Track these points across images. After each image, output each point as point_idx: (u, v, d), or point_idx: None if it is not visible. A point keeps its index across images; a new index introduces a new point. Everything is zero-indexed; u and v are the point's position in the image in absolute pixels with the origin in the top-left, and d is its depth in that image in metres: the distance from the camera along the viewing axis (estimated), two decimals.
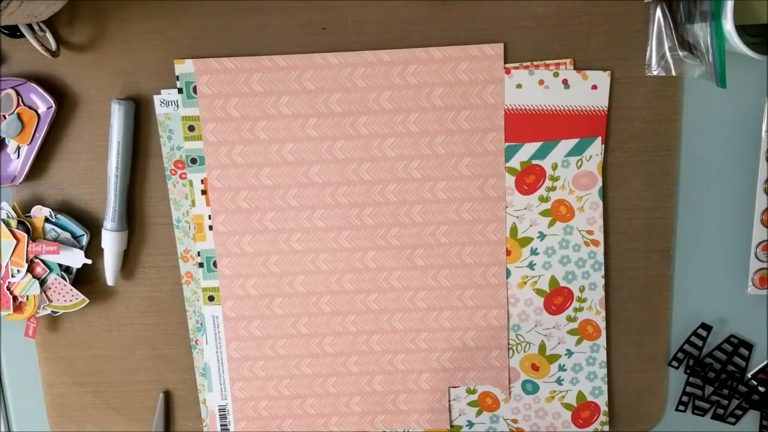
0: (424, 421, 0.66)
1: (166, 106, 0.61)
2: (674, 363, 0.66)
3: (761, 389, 0.66)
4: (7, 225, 0.61)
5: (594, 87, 0.60)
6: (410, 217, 0.62)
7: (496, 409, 0.66)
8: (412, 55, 0.60)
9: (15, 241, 0.61)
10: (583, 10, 0.59)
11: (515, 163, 0.62)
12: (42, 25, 0.58)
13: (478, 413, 0.66)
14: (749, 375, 0.66)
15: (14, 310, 0.62)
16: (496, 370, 0.65)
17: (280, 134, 0.61)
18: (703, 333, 0.65)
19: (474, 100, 0.60)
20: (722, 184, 0.63)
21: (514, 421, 0.67)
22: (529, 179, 0.62)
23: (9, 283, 0.62)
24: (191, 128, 0.61)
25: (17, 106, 0.60)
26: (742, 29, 0.55)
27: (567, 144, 0.61)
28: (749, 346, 0.66)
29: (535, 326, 0.65)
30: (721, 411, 0.67)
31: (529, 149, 0.62)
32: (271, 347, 0.65)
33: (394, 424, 0.66)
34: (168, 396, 0.67)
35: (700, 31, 0.55)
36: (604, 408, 0.66)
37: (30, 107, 0.60)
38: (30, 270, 0.62)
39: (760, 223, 0.63)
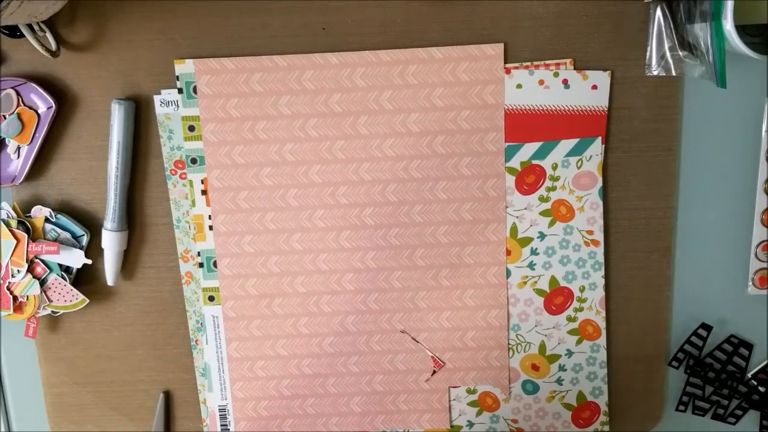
0: (424, 421, 0.66)
1: (166, 106, 0.61)
2: (674, 363, 0.66)
3: (761, 389, 0.66)
4: (7, 225, 0.61)
5: (594, 87, 0.60)
6: (410, 217, 0.62)
7: (497, 409, 0.66)
8: (412, 55, 0.60)
9: (15, 241, 0.61)
10: (583, 10, 0.59)
11: (515, 163, 0.62)
12: (42, 25, 0.58)
13: (478, 413, 0.66)
14: (749, 375, 0.66)
15: (14, 310, 0.62)
16: (496, 370, 0.65)
17: (280, 134, 0.61)
18: (703, 333, 0.65)
19: (474, 100, 0.60)
20: (722, 184, 0.63)
21: (515, 421, 0.67)
22: (529, 179, 0.62)
23: (9, 283, 0.62)
24: (191, 128, 0.61)
25: (17, 106, 0.60)
26: (742, 29, 0.55)
27: (567, 144, 0.61)
28: (749, 346, 0.66)
29: (535, 326, 0.65)
30: (721, 411, 0.67)
31: (529, 149, 0.62)
32: (271, 347, 0.65)
33: (394, 424, 0.66)
34: (168, 396, 0.67)
35: (700, 31, 0.55)
36: (604, 408, 0.66)
37: (30, 107, 0.60)
38: (30, 270, 0.62)
39: (760, 223, 0.63)
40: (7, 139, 0.61)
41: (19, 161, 0.61)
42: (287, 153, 0.61)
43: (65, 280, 0.62)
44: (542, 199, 0.62)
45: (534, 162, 0.62)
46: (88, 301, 0.63)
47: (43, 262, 0.62)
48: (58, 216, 0.62)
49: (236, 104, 0.61)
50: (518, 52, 0.60)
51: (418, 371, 0.65)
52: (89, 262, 0.62)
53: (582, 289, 0.64)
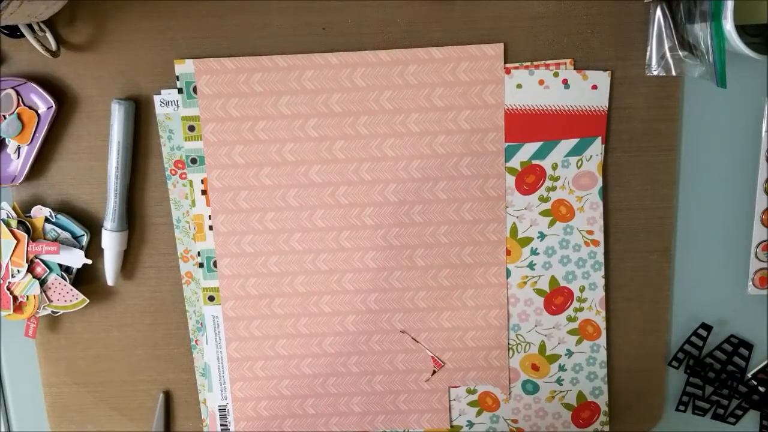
0: (424, 421, 0.66)
1: (166, 106, 0.61)
2: (674, 363, 0.66)
3: (761, 389, 0.66)
4: (7, 225, 0.61)
5: (594, 87, 0.60)
6: (410, 217, 0.62)
7: (496, 409, 0.66)
8: (412, 55, 0.60)
9: (15, 241, 0.61)
10: (583, 10, 0.59)
11: (515, 163, 0.62)
12: (42, 25, 0.58)
13: (478, 413, 0.66)
14: (749, 375, 0.66)
15: (14, 310, 0.62)
16: (496, 370, 0.65)
17: (280, 134, 0.61)
18: (703, 333, 0.65)
19: (474, 100, 0.60)
20: (722, 184, 0.63)
21: (515, 421, 0.67)
22: (529, 179, 0.62)
23: (9, 283, 0.62)
24: (191, 128, 0.61)
25: (17, 106, 0.60)
26: (742, 29, 0.55)
27: (567, 144, 0.61)
28: (749, 346, 0.66)
29: (535, 326, 0.65)
30: (721, 411, 0.67)
31: (529, 149, 0.62)
32: (271, 347, 0.65)
33: (394, 424, 0.66)
34: (168, 396, 0.67)
35: (700, 31, 0.55)
36: (604, 408, 0.66)
37: (30, 107, 0.60)
38: (30, 270, 0.62)
39: (760, 223, 0.63)
40: (7, 139, 0.61)
41: (19, 161, 0.61)
42: (287, 153, 0.61)
43: (65, 280, 0.62)
44: (542, 199, 0.62)
45: (534, 162, 0.62)
46: (88, 301, 0.63)
47: (43, 262, 0.62)
48: (58, 216, 0.62)
49: (236, 104, 0.61)
50: (518, 52, 0.60)
51: (418, 371, 0.65)
52: (89, 262, 0.62)
53: (582, 289, 0.64)
